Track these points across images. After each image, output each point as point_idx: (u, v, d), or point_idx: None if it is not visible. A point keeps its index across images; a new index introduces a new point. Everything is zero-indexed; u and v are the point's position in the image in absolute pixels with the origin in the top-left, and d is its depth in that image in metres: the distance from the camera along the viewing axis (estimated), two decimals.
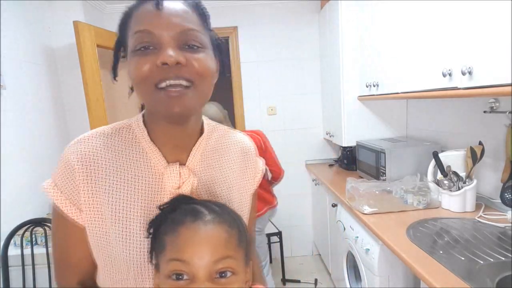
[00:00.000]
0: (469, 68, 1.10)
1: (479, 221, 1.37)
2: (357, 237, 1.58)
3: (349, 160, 2.55)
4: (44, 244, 1.57)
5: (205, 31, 0.56)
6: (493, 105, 1.45)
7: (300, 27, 2.79)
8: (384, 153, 1.86)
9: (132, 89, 0.57)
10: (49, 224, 1.59)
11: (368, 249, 1.45)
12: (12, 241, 1.60)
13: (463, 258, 1.07)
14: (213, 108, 1.87)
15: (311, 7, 2.79)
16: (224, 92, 4.64)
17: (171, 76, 0.50)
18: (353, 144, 2.35)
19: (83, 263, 0.57)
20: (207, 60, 0.54)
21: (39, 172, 2.01)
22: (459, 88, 1.18)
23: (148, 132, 0.60)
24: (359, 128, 2.33)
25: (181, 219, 0.49)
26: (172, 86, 0.50)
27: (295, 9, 2.78)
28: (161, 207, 0.53)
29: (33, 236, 1.60)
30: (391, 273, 1.40)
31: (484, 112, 1.49)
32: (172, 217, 0.50)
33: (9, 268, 1.57)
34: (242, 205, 0.68)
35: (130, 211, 0.55)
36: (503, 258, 1.05)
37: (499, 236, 1.22)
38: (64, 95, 2.34)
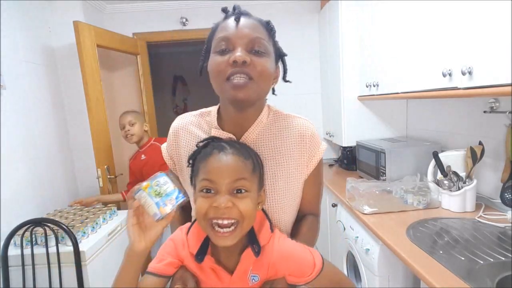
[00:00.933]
0: (469, 68, 1.10)
1: (479, 221, 1.37)
2: (357, 237, 1.58)
3: (349, 160, 2.55)
4: (44, 244, 1.57)
5: (270, 41, 0.75)
6: (493, 105, 1.45)
7: (300, 27, 2.79)
8: (384, 153, 1.86)
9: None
10: (48, 224, 1.59)
11: (368, 249, 1.45)
12: (12, 241, 1.60)
13: (463, 258, 1.07)
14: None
15: (311, 7, 2.79)
16: None
17: (237, 71, 0.68)
18: (353, 144, 2.35)
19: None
20: (267, 63, 0.72)
21: (39, 172, 2.01)
22: (459, 88, 1.18)
23: (219, 116, 0.82)
24: (359, 128, 2.33)
25: (210, 151, 0.66)
26: (237, 78, 0.68)
27: (295, 9, 2.78)
28: (197, 144, 0.73)
29: (33, 236, 1.60)
30: (391, 273, 1.40)
31: (484, 112, 1.49)
32: (204, 151, 0.68)
33: (9, 268, 1.57)
34: (288, 184, 0.80)
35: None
36: (503, 258, 1.05)
37: (499, 236, 1.22)
38: (64, 95, 2.34)
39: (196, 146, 0.73)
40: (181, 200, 0.64)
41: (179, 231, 0.74)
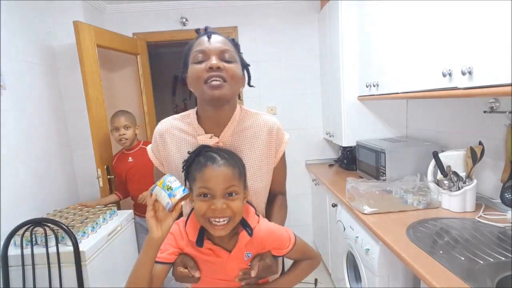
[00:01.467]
0: (469, 68, 1.10)
1: (479, 221, 1.37)
2: (357, 237, 1.58)
3: (349, 160, 2.55)
4: (44, 244, 1.57)
5: (236, 53, 0.92)
6: (493, 105, 1.45)
7: (300, 27, 2.79)
8: (384, 153, 1.86)
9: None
10: (48, 224, 1.59)
11: (368, 249, 1.45)
12: (12, 241, 1.60)
13: (463, 258, 1.07)
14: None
15: (311, 7, 2.79)
16: None
17: (213, 75, 0.84)
18: (353, 144, 2.35)
19: None
20: (236, 69, 0.89)
21: (39, 172, 2.01)
22: (459, 88, 1.18)
23: (198, 117, 0.97)
24: (359, 128, 2.33)
25: (204, 163, 0.81)
26: (214, 80, 0.84)
27: (295, 9, 2.78)
28: (189, 152, 0.88)
29: (33, 236, 1.60)
30: (391, 273, 1.40)
31: (484, 112, 1.49)
32: (198, 161, 0.83)
33: (9, 268, 1.57)
34: (261, 172, 0.97)
35: (180, 159, 0.93)
36: (503, 258, 1.05)
37: (499, 236, 1.22)
38: (64, 95, 2.34)
39: (188, 153, 0.87)
40: (186, 192, 0.80)
41: (176, 225, 0.89)
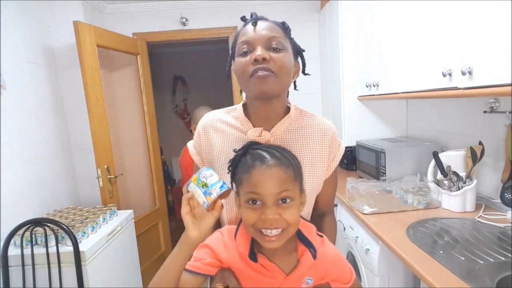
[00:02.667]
0: (469, 68, 1.10)
1: (479, 221, 1.37)
2: (357, 237, 1.58)
3: (349, 160, 2.55)
4: (44, 244, 1.57)
5: (286, 38, 0.81)
6: (493, 105, 1.45)
7: (300, 27, 2.79)
8: (384, 153, 1.86)
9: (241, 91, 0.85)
10: (48, 224, 1.59)
11: (368, 249, 1.45)
12: (12, 241, 1.60)
13: (463, 258, 1.07)
14: (204, 112, 1.85)
15: (311, 7, 2.79)
16: (225, 92, 4.63)
17: (260, 68, 0.74)
18: (353, 144, 2.35)
19: None
20: (285, 58, 0.77)
21: (39, 172, 2.01)
22: (459, 88, 1.18)
23: (245, 111, 0.87)
24: (359, 128, 2.33)
25: (252, 163, 0.68)
26: (260, 72, 0.74)
27: (295, 9, 2.78)
28: (235, 151, 0.75)
29: (33, 236, 1.60)
30: (391, 273, 1.40)
31: (484, 112, 1.49)
32: (245, 161, 0.71)
33: (9, 268, 1.57)
34: (313, 179, 0.85)
35: (225, 156, 0.84)
36: (503, 258, 1.05)
37: (499, 236, 1.22)
38: (64, 95, 2.34)
39: (234, 151, 0.76)
40: (225, 189, 0.70)
41: (218, 234, 0.76)
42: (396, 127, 2.34)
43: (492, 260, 1.04)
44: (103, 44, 2.26)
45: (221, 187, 0.70)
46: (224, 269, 0.73)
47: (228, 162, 0.76)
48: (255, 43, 0.76)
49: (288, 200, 0.67)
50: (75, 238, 1.55)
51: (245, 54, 0.77)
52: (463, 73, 1.12)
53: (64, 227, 1.55)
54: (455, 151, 1.58)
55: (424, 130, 2.11)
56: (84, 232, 1.68)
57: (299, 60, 0.88)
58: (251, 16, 0.83)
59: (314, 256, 0.71)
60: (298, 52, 0.86)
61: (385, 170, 1.86)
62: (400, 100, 2.29)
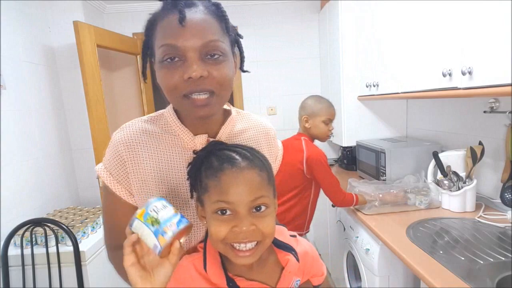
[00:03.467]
0: (469, 68, 1.10)
1: (479, 221, 1.37)
2: (357, 237, 1.58)
3: (349, 160, 2.55)
4: (44, 244, 1.57)
5: (225, 35, 0.62)
6: (493, 105, 1.45)
7: (300, 27, 2.79)
8: (384, 153, 1.86)
9: (144, 78, 0.69)
10: (48, 224, 1.59)
11: (368, 249, 1.45)
12: (12, 241, 1.60)
13: (463, 258, 1.07)
14: (311, 100, 1.76)
15: (311, 7, 2.79)
16: None
17: (196, 89, 0.59)
18: (353, 144, 2.35)
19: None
20: (226, 69, 0.61)
21: (39, 172, 2.01)
22: (459, 88, 1.18)
23: (179, 117, 0.70)
24: (359, 128, 2.33)
25: (220, 166, 0.57)
26: (197, 95, 0.59)
27: (295, 9, 2.78)
28: (196, 152, 0.64)
29: (33, 236, 1.60)
30: (391, 273, 1.40)
31: (484, 112, 1.49)
32: (210, 164, 0.59)
33: (9, 268, 1.57)
34: None
35: (167, 175, 0.67)
36: (503, 258, 1.05)
37: (499, 236, 1.22)
38: (64, 95, 2.34)
39: (194, 153, 0.64)
40: (184, 224, 0.54)
41: (182, 270, 0.62)
42: (396, 127, 2.33)
43: (492, 260, 1.04)
44: (103, 44, 2.26)
45: (179, 222, 0.53)
46: None
47: (187, 166, 0.64)
48: (186, 50, 0.57)
49: (263, 208, 0.57)
50: (75, 238, 1.55)
51: (171, 62, 0.59)
52: (463, 73, 1.12)
53: (64, 227, 1.56)
54: (455, 151, 1.58)
55: (424, 130, 2.11)
56: (84, 232, 1.68)
57: (236, 50, 0.69)
58: None
59: (297, 259, 0.65)
60: (235, 41, 0.67)
61: (385, 170, 1.86)
62: (400, 100, 2.29)
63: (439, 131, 1.93)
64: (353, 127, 2.33)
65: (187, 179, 0.65)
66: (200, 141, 0.69)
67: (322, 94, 2.88)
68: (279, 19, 2.77)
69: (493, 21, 1.01)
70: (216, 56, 0.59)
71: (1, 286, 1.56)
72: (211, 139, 0.69)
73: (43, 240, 1.58)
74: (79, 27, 2.06)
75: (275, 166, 0.83)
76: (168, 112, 0.72)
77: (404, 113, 2.32)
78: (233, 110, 0.78)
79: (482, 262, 1.04)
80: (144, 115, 2.63)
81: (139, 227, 0.52)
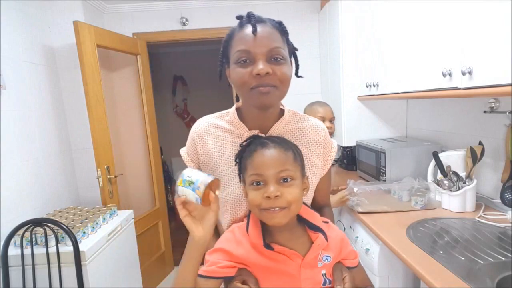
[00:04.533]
0: (469, 68, 1.10)
1: (479, 221, 1.37)
2: (357, 237, 1.58)
3: (349, 160, 2.55)
4: (44, 244, 1.57)
5: (285, 45, 0.80)
6: (493, 105, 1.45)
7: (300, 27, 2.79)
8: (384, 153, 1.86)
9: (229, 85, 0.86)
10: (48, 224, 1.59)
11: (368, 249, 1.45)
12: (12, 241, 1.60)
13: (463, 258, 1.07)
14: (314, 106, 1.88)
15: (311, 7, 2.79)
16: (224, 92, 4.61)
17: (262, 83, 0.75)
18: (353, 144, 2.35)
19: None
20: (286, 69, 0.78)
21: (39, 172, 2.01)
22: (459, 88, 1.18)
23: (240, 115, 0.88)
24: (359, 128, 2.33)
25: (254, 148, 0.75)
26: (262, 87, 0.75)
27: (295, 9, 2.78)
28: (241, 144, 0.81)
29: (33, 236, 1.60)
30: (391, 273, 1.40)
31: (484, 112, 1.49)
32: (249, 149, 0.77)
33: (9, 268, 1.57)
34: (311, 177, 0.87)
35: (224, 160, 0.86)
36: (503, 258, 1.05)
37: (499, 236, 1.22)
38: (64, 95, 2.34)
39: (240, 145, 0.81)
40: (211, 178, 0.70)
41: (228, 234, 0.79)
42: (396, 127, 2.33)
43: (492, 260, 1.04)
44: (103, 44, 2.26)
45: (207, 176, 0.70)
46: (241, 269, 0.74)
47: (235, 155, 0.81)
48: (256, 54, 0.74)
49: (289, 179, 0.72)
50: (75, 238, 1.55)
51: (244, 63, 0.76)
52: (463, 73, 1.12)
53: (64, 227, 1.56)
54: (455, 151, 1.58)
55: (424, 130, 2.11)
56: (84, 232, 1.68)
57: (293, 59, 0.86)
58: (248, 16, 0.79)
59: (326, 239, 0.76)
60: (291, 52, 0.85)
61: (385, 170, 1.86)
62: (400, 100, 2.29)
63: (439, 131, 1.93)
64: (353, 127, 2.33)
65: (235, 165, 0.82)
66: (252, 133, 0.84)
67: (322, 94, 2.88)
68: (279, 19, 2.77)
69: (493, 21, 1.01)
70: (278, 59, 0.76)
71: (1, 286, 1.56)
72: (262, 135, 0.83)
73: (43, 240, 1.58)
74: (79, 27, 2.06)
75: (327, 164, 0.93)
76: (232, 110, 0.90)
77: (404, 113, 2.32)
78: (288, 111, 0.90)
79: (482, 262, 1.04)
80: (144, 115, 2.60)
81: (182, 191, 0.70)
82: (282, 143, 0.76)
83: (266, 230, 0.76)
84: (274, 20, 0.81)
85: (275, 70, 0.75)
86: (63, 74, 2.32)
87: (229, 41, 0.80)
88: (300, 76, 0.88)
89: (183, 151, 0.93)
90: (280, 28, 0.80)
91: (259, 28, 0.76)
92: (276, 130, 0.86)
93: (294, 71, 0.87)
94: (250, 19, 0.77)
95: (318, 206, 0.97)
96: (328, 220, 0.84)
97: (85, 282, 1.56)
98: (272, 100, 0.78)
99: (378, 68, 1.92)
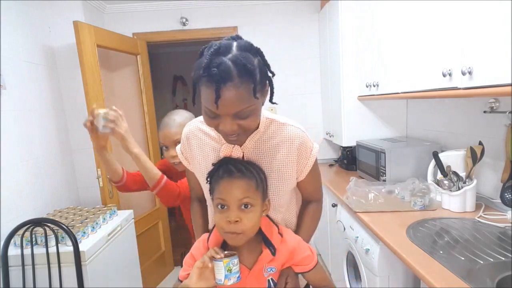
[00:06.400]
0: (469, 68, 1.10)
1: (479, 221, 1.37)
2: (357, 237, 1.58)
3: (349, 160, 2.55)
4: (44, 244, 1.57)
5: (257, 82, 0.73)
6: (493, 105, 1.45)
7: (300, 27, 2.79)
8: (384, 153, 1.86)
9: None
10: (48, 224, 1.59)
11: (368, 249, 1.45)
12: (12, 241, 1.60)
13: (463, 258, 1.07)
14: (184, 115, 1.41)
15: (311, 7, 2.79)
16: None
17: (229, 137, 0.81)
18: (353, 144, 2.35)
19: (197, 187, 1.05)
20: (255, 115, 0.78)
21: (39, 172, 2.01)
22: (459, 88, 1.18)
23: None
24: (359, 128, 2.33)
25: (222, 175, 0.82)
26: (230, 137, 0.80)
27: (295, 9, 2.78)
28: (213, 164, 0.89)
29: (33, 236, 1.60)
30: (391, 273, 1.40)
31: (484, 112, 1.49)
32: (217, 174, 0.84)
33: (9, 268, 1.57)
34: (282, 186, 0.93)
35: (204, 165, 0.95)
36: (503, 258, 1.05)
37: (499, 236, 1.22)
38: (64, 95, 2.34)
39: (212, 165, 0.88)
40: (236, 281, 0.81)
41: (198, 244, 0.93)
42: (396, 127, 2.34)
43: (492, 260, 1.04)
44: (103, 44, 2.26)
45: (238, 278, 0.82)
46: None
47: (207, 174, 0.88)
48: (221, 114, 0.74)
49: (249, 206, 0.80)
50: (75, 238, 1.55)
51: (212, 118, 0.77)
52: (463, 73, 1.12)
53: (64, 227, 1.56)
54: (455, 151, 1.58)
55: (424, 130, 2.11)
56: (84, 232, 1.68)
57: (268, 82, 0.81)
58: (209, 68, 0.70)
59: (273, 253, 0.85)
60: (266, 79, 0.79)
61: (385, 170, 1.86)
62: (400, 100, 2.29)
63: (439, 131, 1.93)
64: (353, 127, 2.33)
65: (206, 182, 0.89)
66: (227, 149, 0.90)
67: (322, 94, 2.89)
68: (279, 19, 2.77)
69: (493, 21, 1.01)
70: (245, 114, 0.75)
71: (1, 286, 1.56)
72: (237, 147, 0.89)
73: (43, 240, 1.58)
74: (79, 27, 2.05)
75: (304, 171, 0.95)
76: None
77: (404, 113, 2.32)
78: (266, 120, 0.92)
79: (482, 262, 1.04)
80: (144, 115, 2.60)
81: (219, 265, 0.80)
82: (247, 171, 0.83)
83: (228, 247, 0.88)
84: (243, 65, 0.70)
85: (241, 125, 0.77)
86: (63, 74, 2.32)
87: (196, 83, 0.77)
88: (274, 103, 0.82)
89: (178, 149, 1.04)
90: (247, 72, 0.71)
91: (225, 92, 0.70)
92: (250, 142, 0.90)
93: (268, 98, 0.83)
94: (211, 74, 0.69)
95: (305, 201, 1.05)
96: (284, 232, 0.90)
97: (85, 282, 1.56)
98: (242, 142, 0.87)
99: (378, 68, 1.92)
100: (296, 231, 1.01)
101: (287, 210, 1.01)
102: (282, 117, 0.95)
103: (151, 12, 2.74)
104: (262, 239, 0.87)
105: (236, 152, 0.90)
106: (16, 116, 1.85)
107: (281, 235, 0.89)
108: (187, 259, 0.92)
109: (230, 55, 0.71)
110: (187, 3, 2.73)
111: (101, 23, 2.63)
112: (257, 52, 0.77)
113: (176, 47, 4.60)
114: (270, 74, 0.80)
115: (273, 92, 0.83)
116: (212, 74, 0.69)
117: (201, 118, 0.92)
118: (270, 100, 0.83)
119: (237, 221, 0.79)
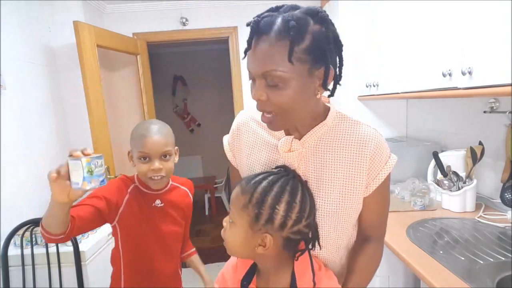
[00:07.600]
0: (469, 68, 1.10)
1: (479, 221, 1.37)
2: None
3: None
4: (44, 244, 1.57)
5: (292, 58, 0.61)
6: (493, 105, 1.45)
7: None
8: None
9: None
10: None
11: None
12: (12, 241, 1.59)
13: (463, 258, 1.07)
14: (166, 125, 1.18)
15: None
16: (225, 92, 4.59)
17: (261, 108, 0.69)
18: None
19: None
20: (285, 94, 0.64)
21: (39, 172, 2.01)
22: (459, 88, 1.18)
23: None
24: None
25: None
26: (265, 114, 0.70)
27: None
28: (277, 166, 0.76)
29: (33, 236, 1.60)
30: (391, 273, 1.40)
31: (484, 112, 1.49)
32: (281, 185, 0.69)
33: (9, 268, 1.57)
34: (343, 197, 0.74)
35: (254, 159, 0.81)
36: (503, 258, 1.05)
37: (499, 236, 1.22)
38: (64, 95, 2.34)
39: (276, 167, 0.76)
40: (100, 185, 0.70)
41: (232, 259, 0.83)
42: (396, 127, 2.33)
43: (492, 260, 1.04)
44: (103, 44, 2.26)
45: (102, 182, 0.70)
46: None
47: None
48: (253, 75, 0.66)
49: (231, 221, 0.71)
50: (75, 238, 1.55)
51: (252, 80, 0.69)
52: (463, 73, 1.12)
53: None
54: (455, 151, 1.58)
55: (424, 130, 2.11)
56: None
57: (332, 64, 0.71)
58: (254, 25, 0.65)
59: None
60: (322, 52, 0.65)
61: None
62: (400, 100, 2.29)
63: (439, 131, 1.93)
64: None
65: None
66: (285, 144, 0.75)
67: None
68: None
69: (493, 21, 1.01)
70: (275, 83, 0.64)
71: (1, 286, 1.56)
72: (296, 141, 0.74)
73: (43, 240, 1.58)
74: (79, 27, 2.05)
75: (373, 184, 0.75)
76: None
77: (404, 113, 2.32)
78: (333, 114, 0.76)
79: (482, 262, 1.04)
80: (144, 115, 2.60)
81: (75, 165, 0.68)
82: (252, 196, 0.67)
83: (257, 272, 0.77)
84: (287, 21, 0.61)
85: (270, 97, 0.65)
86: (63, 74, 2.32)
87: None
88: (331, 94, 0.74)
89: (225, 140, 0.91)
90: (286, 33, 0.61)
91: (260, 42, 0.63)
92: (312, 137, 0.74)
93: (321, 82, 0.69)
94: (253, 29, 0.64)
95: (363, 237, 0.80)
96: (322, 279, 0.70)
97: (85, 282, 1.56)
98: (278, 127, 0.71)
99: (378, 68, 1.92)
100: (347, 278, 0.77)
101: (343, 237, 0.78)
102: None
103: (151, 12, 2.74)
104: (290, 282, 0.70)
105: (295, 146, 0.74)
106: (16, 116, 1.85)
107: (314, 283, 0.68)
108: (218, 279, 0.86)
109: (286, 13, 0.63)
110: (187, 3, 2.73)
111: (101, 23, 2.63)
112: (324, 21, 0.64)
113: (176, 47, 4.60)
114: (331, 55, 0.67)
115: (338, 81, 0.72)
116: (252, 23, 0.64)
117: (255, 107, 0.74)
118: (324, 85, 0.68)
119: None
